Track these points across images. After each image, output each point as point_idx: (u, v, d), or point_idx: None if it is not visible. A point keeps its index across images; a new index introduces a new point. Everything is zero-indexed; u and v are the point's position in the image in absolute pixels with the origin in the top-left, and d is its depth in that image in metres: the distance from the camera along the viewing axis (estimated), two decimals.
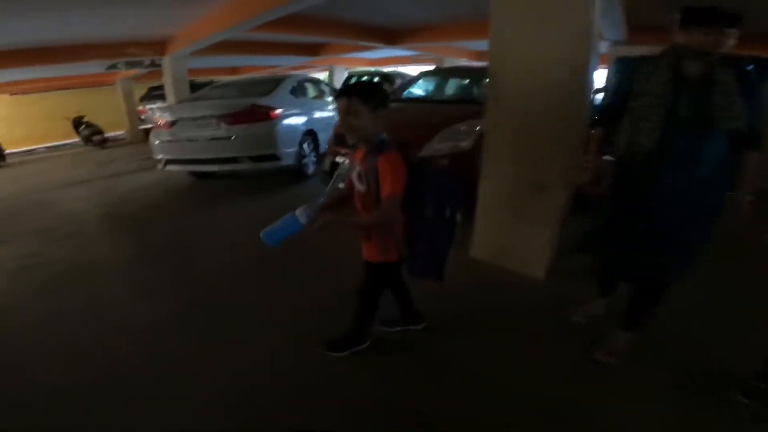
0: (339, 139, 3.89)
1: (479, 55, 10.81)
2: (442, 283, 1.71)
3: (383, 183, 1.46)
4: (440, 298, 2.22)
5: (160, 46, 7.20)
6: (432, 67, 9.08)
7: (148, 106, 10.03)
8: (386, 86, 9.19)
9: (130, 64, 8.41)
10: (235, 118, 4.54)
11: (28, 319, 2.54)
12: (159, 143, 5.03)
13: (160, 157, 5.08)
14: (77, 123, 10.86)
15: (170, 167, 5.10)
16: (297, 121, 5.13)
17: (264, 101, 4.75)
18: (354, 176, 1.62)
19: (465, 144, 3.19)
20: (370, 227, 1.64)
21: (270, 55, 9.77)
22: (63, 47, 6.64)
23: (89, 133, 10.50)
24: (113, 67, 8.47)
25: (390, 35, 7.98)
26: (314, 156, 5.44)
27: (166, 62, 7.29)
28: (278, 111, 4.75)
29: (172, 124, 4.85)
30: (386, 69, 11.58)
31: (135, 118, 11.13)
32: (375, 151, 1.50)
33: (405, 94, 4.75)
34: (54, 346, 2.23)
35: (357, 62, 13.20)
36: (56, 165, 8.89)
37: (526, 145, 2.40)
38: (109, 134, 11.05)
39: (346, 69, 13.49)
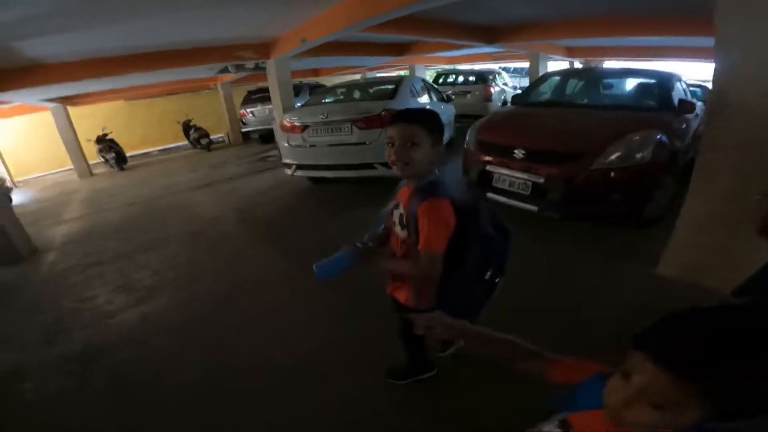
0: (485, 147, 3.72)
1: (570, 52, 10.15)
2: None
3: (426, 236, 1.20)
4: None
5: (265, 48, 7.37)
6: (558, 68, 8.54)
7: (248, 110, 10.48)
8: (479, 88, 8.89)
9: (239, 68, 8.73)
10: (368, 122, 4.45)
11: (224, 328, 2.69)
12: (289, 148, 5.06)
13: (289, 161, 5.12)
14: (186, 126, 11.47)
15: (301, 173, 5.14)
16: None
17: (393, 105, 4.64)
18: (395, 216, 1.38)
19: (643, 156, 2.90)
20: (405, 276, 1.42)
21: (359, 55, 9.81)
22: (177, 51, 6.92)
23: (198, 136, 11.06)
24: (224, 71, 8.81)
25: (490, 34, 7.61)
26: None
27: (271, 65, 7.33)
28: None
29: (304, 128, 4.84)
30: (476, 67, 11.20)
31: (236, 121, 11.48)
32: (422, 193, 1.23)
33: (536, 97, 4.47)
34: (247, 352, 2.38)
35: (436, 61, 12.92)
36: (173, 167, 9.50)
37: (755, 162, 2.09)
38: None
39: (426, 68, 13.25)
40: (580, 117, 3.73)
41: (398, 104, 4.71)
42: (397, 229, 1.37)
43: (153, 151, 12.82)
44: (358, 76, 14.67)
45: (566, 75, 5.19)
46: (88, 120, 10.72)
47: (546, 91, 4.72)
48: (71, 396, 2.20)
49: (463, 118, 8.12)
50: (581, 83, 4.72)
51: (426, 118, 1.24)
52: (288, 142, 5.07)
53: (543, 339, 0.92)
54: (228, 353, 2.43)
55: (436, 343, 1.57)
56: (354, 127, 4.55)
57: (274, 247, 3.95)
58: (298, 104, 7.91)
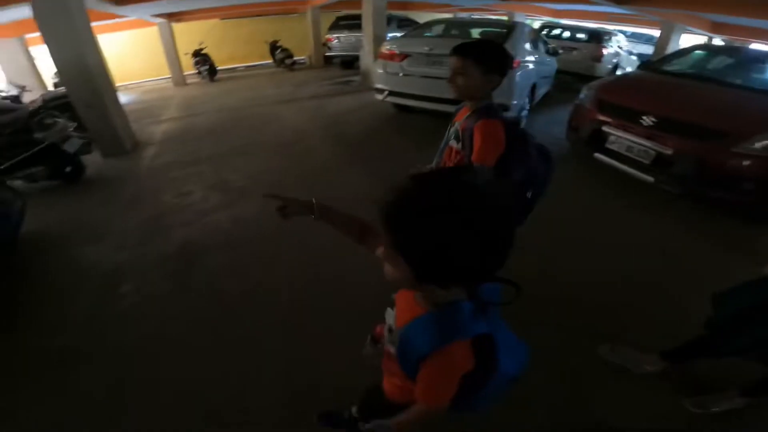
0: (606, 107, 3.46)
1: (716, 27, 8.58)
2: None
3: (480, 149, 1.32)
4: None
5: None
6: (693, 42, 7.39)
7: (334, 35, 10.19)
8: (589, 46, 7.83)
9: None
10: None
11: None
12: (385, 74, 4.85)
13: (381, 87, 4.92)
14: (273, 47, 11.55)
15: (392, 99, 4.93)
16: (529, 72, 4.63)
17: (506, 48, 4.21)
18: (451, 133, 1.50)
19: None
20: None
21: None
22: None
23: (283, 56, 11.16)
24: None
25: None
26: (527, 110, 4.96)
27: None
28: (518, 60, 4.23)
29: (403, 57, 4.62)
30: (587, 24, 9.92)
31: (320, 44, 11.35)
32: (478, 114, 1.36)
33: (675, 66, 3.96)
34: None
35: (539, 11, 11.51)
36: (258, 83, 9.62)
37: None
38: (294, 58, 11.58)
39: (526, 17, 11.92)
40: (727, 95, 3.32)
41: (511, 48, 4.25)
42: (452, 142, 1.50)
43: (240, 67, 13.02)
44: (448, 15, 13.61)
45: (715, 50, 4.78)
46: (187, 36, 11.10)
47: (688, 62, 4.15)
48: (169, 298, 2.24)
49: (564, 75, 7.27)
50: (730, 61, 4.05)
51: (476, 51, 1.31)
52: (384, 69, 4.86)
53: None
54: (318, 268, 2.40)
55: None
56: None
57: (359, 166, 3.83)
58: (389, 35, 7.50)
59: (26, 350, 1.92)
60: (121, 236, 2.89)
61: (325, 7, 11.39)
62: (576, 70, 7.61)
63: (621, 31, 10.37)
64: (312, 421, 1.44)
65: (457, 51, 1.33)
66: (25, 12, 4.47)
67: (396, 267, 0.61)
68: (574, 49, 7.91)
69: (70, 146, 3.68)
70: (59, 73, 4.22)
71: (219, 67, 11.03)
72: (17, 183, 3.69)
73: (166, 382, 1.73)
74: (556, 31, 9.02)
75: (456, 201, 0.54)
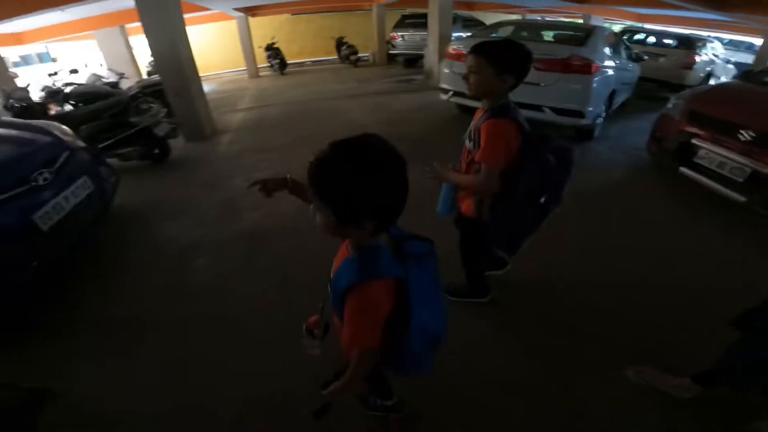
0: (698, 118, 3.12)
1: None
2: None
3: (482, 147, 1.32)
4: None
5: None
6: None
7: (399, 33, 10.15)
8: (680, 53, 7.10)
9: None
10: (549, 65, 3.89)
11: None
12: (451, 74, 4.70)
13: (446, 86, 4.78)
14: (339, 43, 11.83)
15: (456, 99, 4.78)
16: (608, 79, 4.26)
17: (584, 52, 3.90)
18: (467, 131, 1.49)
19: None
20: (465, 187, 1.52)
21: None
22: None
23: (348, 52, 11.39)
24: None
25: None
26: (603, 117, 4.56)
27: None
28: (597, 66, 3.90)
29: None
30: (675, 29, 9.04)
31: (383, 42, 11.41)
32: (489, 113, 1.35)
33: None
34: None
35: (621, 15, 10.63)
36: (324, 77, 9.86)
37: None
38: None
39: (605, 20, 11.08)
40: None
41: (589, 52, 3.96)
42: (466, 141, 1.49)
43: (307, 62, 13.49)
44: (515, 16, 13.05)
45: None
46: (261, 30, 11.74)
47: None
48: (237, 277, 2.32)
49: (647, 82, 6.65)
50: None
51: (488, 51, 1.29)
52: (450, 69, 4.72)
53: None
54: None
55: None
56: (531, 66, 3.99)
57: (418, 165, 3.67)
58: (454, 35, 7.32)
59: (100, 317, 2.07)
60: (197, 215, 3.08)
61: (390, 5, 11.43)
62: (662, 77, 6.91)
63: (717, 38, 9.31)
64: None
65: (472, 50, 1.32)
66: (127, 2, 4.91)
67: (320, 213, 0.75)
68: (661, 55, 7.19)
69: (160, 130, 3.98)
70: (154, 62, 4.59)
71: (289, 61, 11.50)
72: (113, 161, 4.08)
73: (217, 362, 1.75)
74: (640, 36, 8.27)
75: (353, 155, 0.69)
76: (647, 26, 9.93)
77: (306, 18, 13.57)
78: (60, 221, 2.19)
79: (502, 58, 1.29)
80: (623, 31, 8.89)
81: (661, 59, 7.11)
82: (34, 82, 5.02)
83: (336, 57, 12.18)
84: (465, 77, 1.35)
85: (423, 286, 0.84)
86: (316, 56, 13.80)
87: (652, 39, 7.99)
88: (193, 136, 4.96)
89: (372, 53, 12.10)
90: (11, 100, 3.70)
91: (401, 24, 10.29)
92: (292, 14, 13.28)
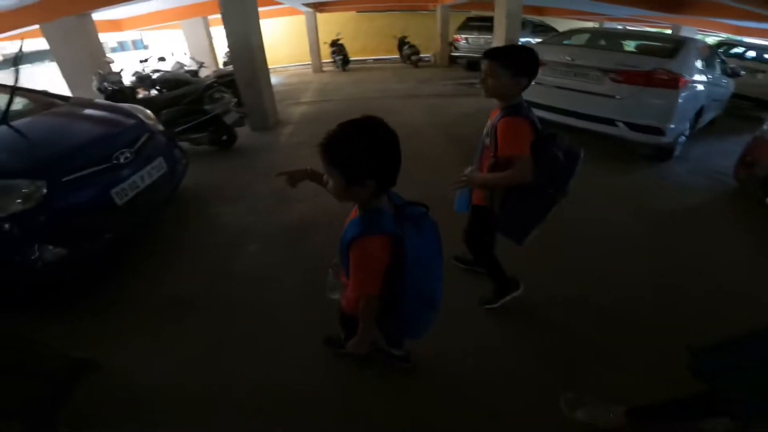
0: None
1: None
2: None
3: (501, 143, 1.40)
4: None
5: None
6: None
7: (463, 35, 9.87)
8: None
9: None
10: (629, 77, 3.54)
11: None
12: None
13: None
14: (401, 42, 11.75)
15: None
16: (697, 94, 3.80)
17: (671, 65, 3.49)
18: (485, 130, 1.55)
19: None
20: (500, 185, 1.51)
21: (610, 2, 7.87)
22: None
23: (410, 52, 11.27)
24: None
25: None
26: (686, 136, 4.07)
27: None
28: (686, 80, 3.48)
29: (541, 65, 4.17)
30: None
31: (446, 43, 11.17)
32: (504, 112, 1.42)
33: None
34: None
35: (717, 27, 9.51)
36: (384, 76, 9.85)
37: None
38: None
39: (697, 31, 9.97)
40: None
41: (678, 65, 3.52)
42: (486, 140, 1.55)
43: (369, 59, 13.57)
44: (590, 24, 12.18)
45: None
46: (326, 26, 11.97)
47: None
48: (283, 266, 2.35)
49: (741, 99, 5.89)
50: None
51: (504, 55, 1.37)
52: None
53: None
54: None
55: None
56: (607, 77, 3.67)
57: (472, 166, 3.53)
58: (522, 40, 6.95)
59: (151, 294, 2.16)
60: (251, 202, 3.19)
61: (455, 6, 11.20)
62: (759, 95, 6.12)
63: None
64: None
65: (488, 55, 1.40)
66: None
67: (332, 178, 0.92)
68: (760, 71, 6.34)
69: (229, 119, 4.17)
70: (229, 53, 4.80)
71: (351, 58, 11.62)
72: (185, 144, 4.34)
73: (250, 349, 1.77)
74: (738, 50, 7.35)
75: (355, 127, 0.89)
76: (747, 39, 8.79)
77: (370, 16, 13.66)
78: (134, 198, 2.34)
79: (516, 62, 1.37)
80: (719, 44, 7.95)
81: (760, 75, 6.27)
82: (127, 67, 5.48)
83: (398, 56, 12.12)
84: (482, 81, 1.44)
85: (417, 246, 0.97)
86: (378, 54, 13.85)
87: (751, 53, 7.06)
88: (258, 125, 5.16)
89: (433, 54, 11.91)
90: (105, 83, 4.06)
91: (465, 26, 9.98)
92: (358, 12, 13.43)
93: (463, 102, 6.41)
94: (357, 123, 0.89)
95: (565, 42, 4.60)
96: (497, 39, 6.84)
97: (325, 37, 11.45)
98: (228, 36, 4.69)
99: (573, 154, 1.44)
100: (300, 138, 4.79)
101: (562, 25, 11.01)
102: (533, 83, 4.21)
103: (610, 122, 3.68)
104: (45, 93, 3.08)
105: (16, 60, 2.45)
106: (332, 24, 12.44)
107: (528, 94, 4.28)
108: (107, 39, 12.72)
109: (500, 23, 6.66)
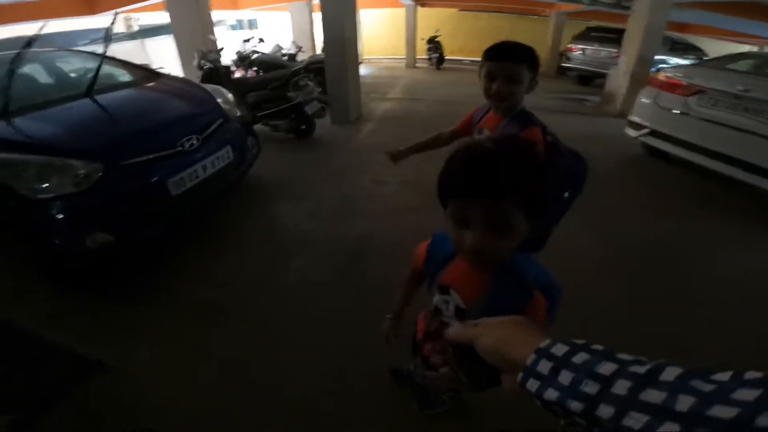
0: None
1: None
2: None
3: None
4: None
5: None
6: None
7: (579, 46, 8.64)
8: None
9: (595, 1, 7.15)
10: None
11: None
12: (653, 107, 3.54)
13: (641, 122, 3.63)
14: None
15: (651, 141, 3.62)
16: None
17: None
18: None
19: None
20: None
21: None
22: None
23: None
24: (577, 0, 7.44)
25: None
26: None
27: (643, 6, 5.47)
28: None
29: (694, 92, 3.22)
30: None
31: (555, 53, 10.07)
32: (517, 122, 1.19)
33: None
34: None
35: None
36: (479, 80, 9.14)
37: None
38: None
39: None
40: None
41: None
42: None
43: (465, 60, 12.80)
44: (747, 47, 10.01)
45: None
46: (425, 21, 11.39)
47: None
48: (325, 288, 2.05)
49: None
50: None
51: (530, 55, 1.16)
52: (654, 101, 3.54)
53: None
54: None
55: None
56: None
57: (575, 213, 2.56)
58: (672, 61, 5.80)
59: (186, 293, 1.98)
60: (314, 205, 2.88)
61: (574, 15, 9.91)
62: None
63: None
64: None
65: (511, 57, 1.13)
66: None
67: (515, 228, 0.61)
68: None
69: (310, 108, 3.94)
70: (324, 40, 4.57)
71: (447, 57, 11.02)
72: (264, 128, 4.22)
73: (274, 376, 1.56)
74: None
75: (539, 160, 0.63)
76: None
77: (474, 15, 12.79)
78: (191, 189, 2.13)
79: (536, 61, 1.18)
80: None
81: None
82: (230, 46, 5.58)
83: None
84: (496, 91, 1.16)
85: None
86: (476, 56, 12.89)
87: None
88: (338, 118, 4.91)
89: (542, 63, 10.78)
90: (203, 61, 4.05)
91: (585, 36, 8.73)
92: (461, 10, 12.70)
93: (569, 121, 5.49)
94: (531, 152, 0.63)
95: (728, 67, 3.54)
96: (627, 54, 5.79)
97: (423, 32, 10.96)
98: (323, 22, 4.46)
99: (577, 154, 1.26)
100: (379, 138, 4.41)
101: (708, 44, 9.18)
102: (665, 110, 3.12)
103: (739, 163, 2.84)
104: (143, 68, 3.07)
105: (107, 34, 2.36)
106: (432, 20, 11.86)
107: (668, 125, 3.36)
108: (227, 17, 13.66)
109: (635, 37, 5.64)
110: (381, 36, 12.83)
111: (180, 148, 2.09)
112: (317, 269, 2.19)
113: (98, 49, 2.62)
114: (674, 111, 3.34)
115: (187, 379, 1.52)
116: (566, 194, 1.29)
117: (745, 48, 10.25)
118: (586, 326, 1.66)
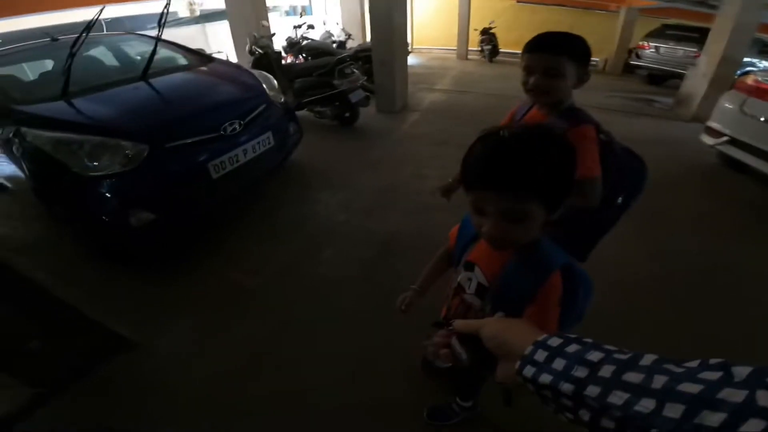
0: None
1: None
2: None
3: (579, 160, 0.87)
4: None
5: None
6: None
7: (652, 44, 7.85)
8: None
9: None
10: None
11: None
12: (737, 114, 3.10)
13: (721, 128, 3.20)
14: None
15: (731, 150, 3.17)
16: None
17: None
18: None
19: None
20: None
21: None
22: None
23: None
24: None
25: None
26: None
27: (732, 6, 4.83)
28: None
29: None
30: None
31: (623, 49, 9.29)
32: (564, 119, 1.02)
33: None
34: None
35: None
36: None
37: None
38: None
39: None
40: None
41: None
42: None
43: (519, 53, 12.14)
44: None
45: None
46: (480, 12, 10.85)
47: None
48: (351, 283, 2.00)
49: None
50: None
51: (573, 46, 1.01)
52: (739, 107, 3.09)
53: None
54: None
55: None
56: None
57: (632, 229, 2.25)
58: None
59: (217, 278, 2.01)
60: (352, 196, 2.84)
61: (648, 11, 9.07)
62: None
63: None
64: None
65: (549, 48, 1.00)
66: None
67: (530, 218, 0.62)
68: None
69: (354, 96, 3.89)
70: (371, 28, 4.47)
71: (501, 50, 10.51)
72: (309, 114, 4.23)
73: (293, 368, 1.56)
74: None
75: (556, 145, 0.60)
76: None
77: (532, 8, 11.99)
78: (231, 172, 2.16)
79: (585, 51, 1.02)
80: None
81: None
82: (283, 32, 5.64)
83: None
84: (534, 85, 1.03)
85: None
86: None
87: None
88: (383, 107, 4.82)
89: (604, 59, 9.94)
90: (254, 47, 4.12)
91: (660, 33, 7.92)
92: (518, 1, 12.01)
93: (636, 123, 4.99)
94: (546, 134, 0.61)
95: None
96: (710, 54, 5.16)
97: (477, 23, 10.49)
98: (371, 10, 4.36)
99: (633, 155, 1.18)
100: (423, 129, 4.28)
101: None
102: (752, 118, 2.81)
103: None
104: (197, 52, 3.15)
105: (161, 19, 2.42)
106: (487, 11, 11.29)
107: (753, 134, 2.94)
108: (281, 2, 13.92)
109: (721, 36, 5.00)
110: (432, 25, 12.45)
111: (223, 132, 2.11)
112: (345, 263, 2.16)
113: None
114: (762, 119, 2.90)
115: (209, 365, 1.54)
116: (619, 199, 1.17)
117: None
118: None
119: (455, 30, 10.56)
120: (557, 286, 0.71)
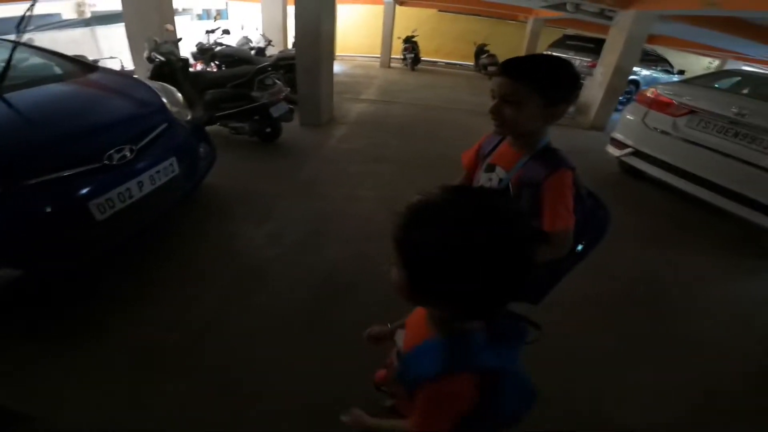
0: None
1: None
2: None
3: (550, 211, 0.92)
4: None
5: None
6: None
7: (554, 53, 8.70)
8: None
9: (577, 7, 7.12)
10: None
11: None
12: (638, 125, 3.41)
13: (624, 140, 3.51)
14: (480, 50, 10.87)
15: (635, 162, 3.47)
16: None
17: None
18: (486, 180, 1.06)
19: None
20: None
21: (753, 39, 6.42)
22: None
23: (487, 62, 10.27)
24: (558, 6, 7.34)
25: None
26: None
27: (625, 17, 5.42)
28: None
29: (685, 112, 3.11)
30: None
31: None
32: (541, 162, 0.94)
33: None
34: None
35: None
36: (455, 83, 9.00)
37: None
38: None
39: None
40: None
41: None
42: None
43: (440, 62, 12.68)
44: (707, 60, 10.50)
45: None
46: (403, 21, 11.14)
47: None
48: (292, 339, 1.73)
49: None
50: None
51: (536, 72, 0.89)
52: (641, 119, 3.42)
53: None
54: None
55: None
56: None
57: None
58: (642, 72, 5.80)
59: (125, 336, 1.60)
60: (281, 225, 2.53)
61: (552, 22, 10.01)
62: None
63: None
64: None
65: (507, 72, 0.90)
66: None
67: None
68: None
69: (276, 110, 3.58)
70: (296, 34, 4.19)
71: (422, 58, 10.85)
72: (224, 130, 3.81)
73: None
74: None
75: (467, 214, 0.52)
76: None
77: (452, 17, 12.69)
78: (122, 210, 1.75)
79: (553, 82, 0.89)
80: None
81: None
82: (193, 37, 5.08)
83: (471, 63, 11.20)
84: (494, 109, 0.93)
85: (516, 373, 0.66)
86: (451, 59, 12.89)
87: None
88: (308, 120, 4.55)
89: None
90: (154, 53, 3.58)
91: (561, 44, 8.78)
92: (440, 10, 12.54)
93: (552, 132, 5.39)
94: (471, 199, 0.54)
95: (717, 85, 3.49)
96: (605, 65, 5.79)
97: (400, 32, 10.71)
98: (297, 15, 4.08)
99: (598, 203, 1.11)
100: (353, 145, 4.11)
101: (672, 56, 9.47)
102: (653, 130, 2.94)
103: (732, 195, 2.75)
104: (75, 59, 2.59)
105: (21, 23, 1.90)
106: (410, 19, 11.63)
107: (654, 146, 3.19)
108: (193, 5, 12.77)
109: (615, 47, 5.61)
110: (356, 33, 12.41)
111: (107, 162, 1.70)
112: (282, 309, 1.86)
113: (35, 37, 2.14)
114: (664, 132, 3.22)
115: None
116: (579, 246, 1.10)
117: (706, 61, 10.70)
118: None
119: (379, 37, 10.65)
120: (457, 392, 0.63)
